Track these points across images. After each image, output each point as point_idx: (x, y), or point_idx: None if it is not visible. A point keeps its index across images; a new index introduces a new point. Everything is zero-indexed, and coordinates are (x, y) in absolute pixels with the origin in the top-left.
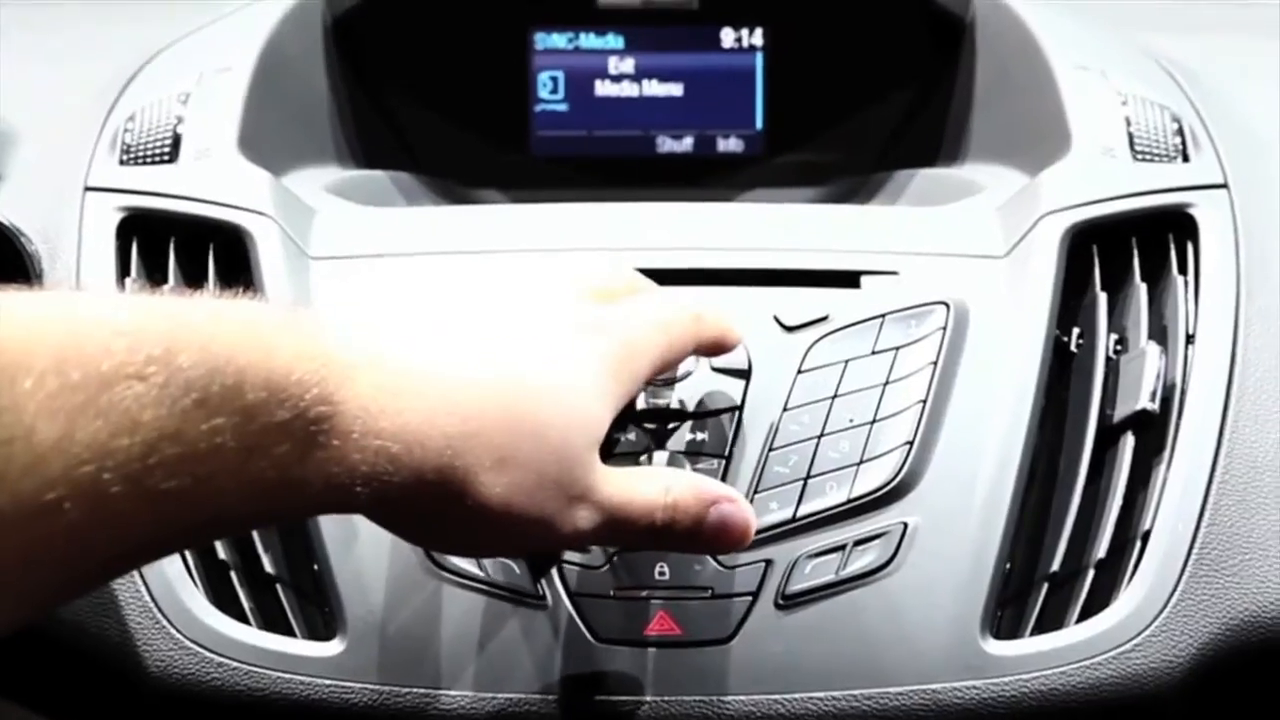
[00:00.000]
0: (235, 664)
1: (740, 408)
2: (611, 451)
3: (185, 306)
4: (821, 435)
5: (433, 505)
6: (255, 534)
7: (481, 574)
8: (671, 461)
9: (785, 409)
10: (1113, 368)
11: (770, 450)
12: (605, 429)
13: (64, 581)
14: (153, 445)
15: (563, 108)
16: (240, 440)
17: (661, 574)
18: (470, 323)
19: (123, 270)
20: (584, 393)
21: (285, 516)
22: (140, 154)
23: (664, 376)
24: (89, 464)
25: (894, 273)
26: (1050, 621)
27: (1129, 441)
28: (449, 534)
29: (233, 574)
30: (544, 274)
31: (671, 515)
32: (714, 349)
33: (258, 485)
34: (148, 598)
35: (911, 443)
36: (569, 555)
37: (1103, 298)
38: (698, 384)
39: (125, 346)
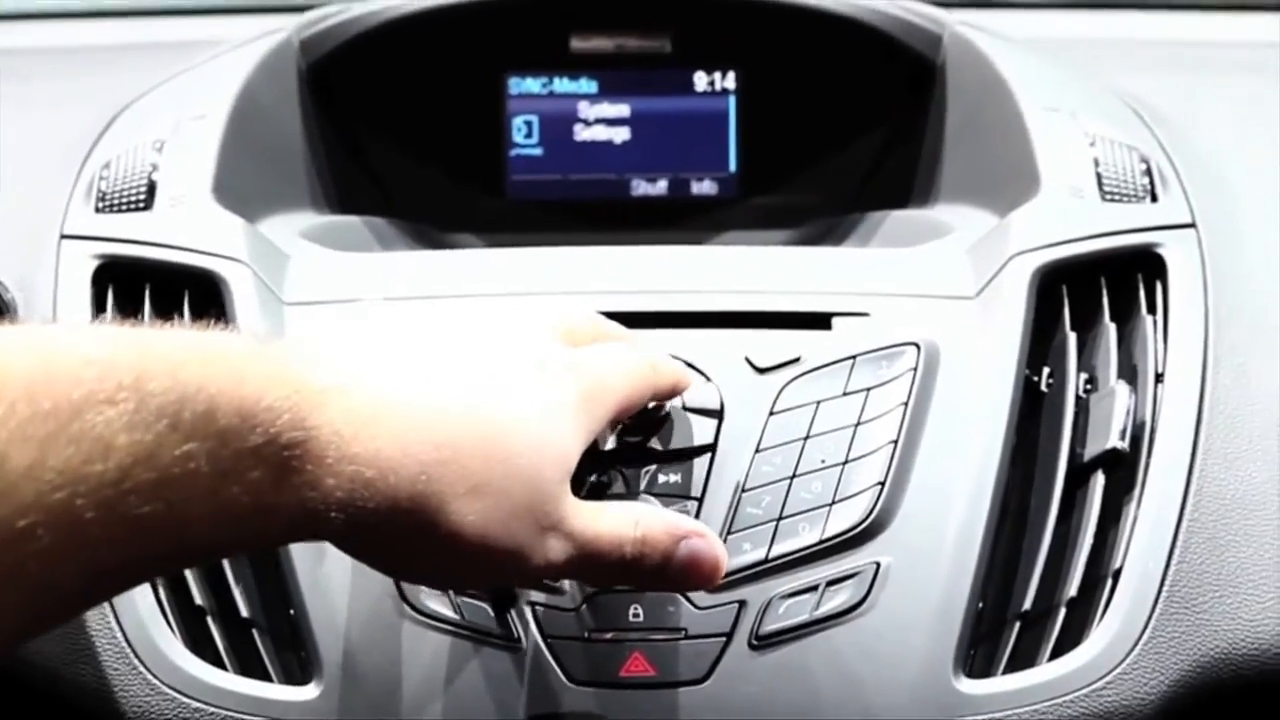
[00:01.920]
0: (211, 709)
1: (713, 449)
2: (585, 493)
3: (154, 335)
4: (794, 476)
5: (406, 533)
6: (230, 577)
7: (456, 616)
8: (645, 502)
9: (758, 450)
10: (1083, 407)
11: (743, 491)
12: (576, 461)
13: (38, 608)
14: (126, 470)
15: (537, 152)
16: (213, 465)
17: (635, 615)
18: (441, 357)
19: (98, 317)
20: (554, 425)
21: (259, 543)
22: (116, 201)
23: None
24: (62, 489)
25: (865, 314)
26: (1022, 660)
27: (1099, 480)
28: (421, 563)
29: (208, 618)
30: (512, 316)
31: (641, 549)
32: (670, 395)
33: (231, 511)
34: (123, 642)
35: (883, 483)
36: (543, 597)
37: (1072, 337)
38: (671, 425)
39: (95, 375)
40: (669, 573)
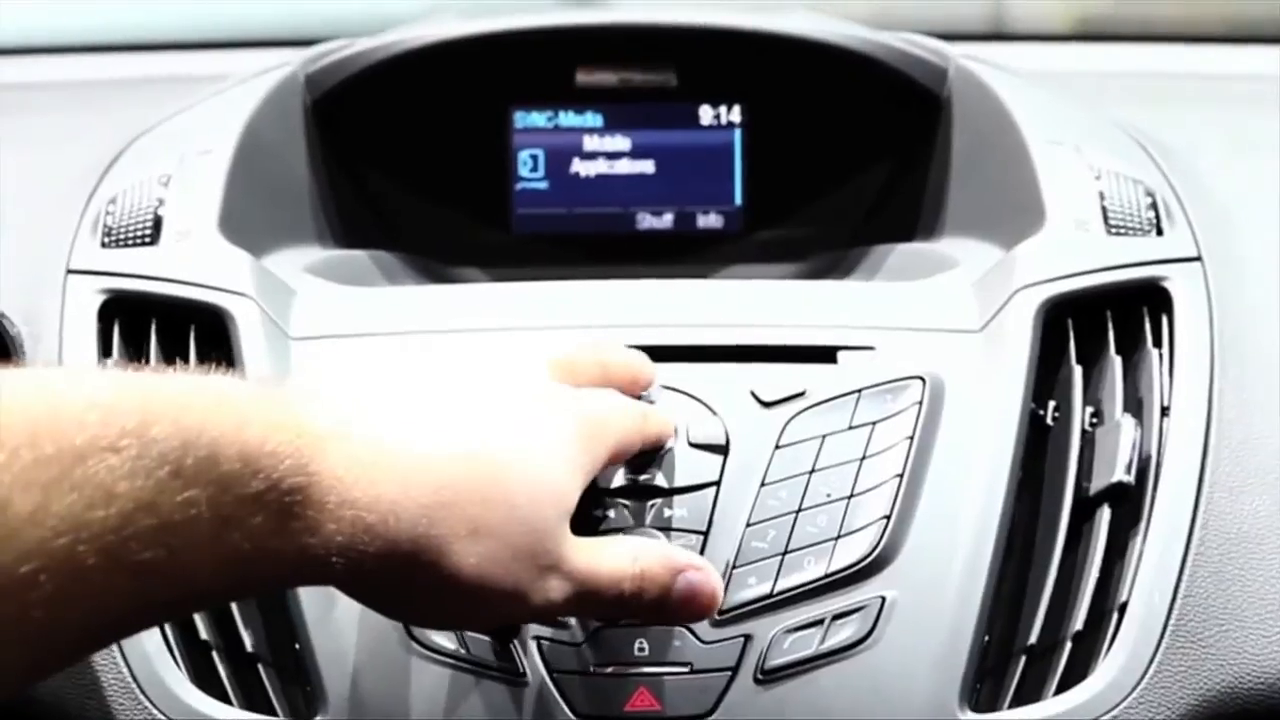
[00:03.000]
0: None
1: (718, 483)
2: (590, 527)
3: (158, 380)
4: (799, 510)
5: (407, 576)
6: (236, 612)
7: (461, 650)
8: (649, 537)
9: (763, 484)
10: (1088, 440)
11: (748, 525)
12: (575, 500)
13: (41, 655)
14: (128, 517)
15: (543, 186)
16: (215, 511)
17: (641, 650)
18: (440, 396)
19: (104, 352)
20: (553, 464)
21: (261, 589)
22: (122, 236)
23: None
24: (64, 536)
25: (870, 348)
26: (1029, 693)
27: (1105, 514)
28: (423, 606)
29: (214, 653)
30: (511, 354)
31: (640, 584)
32: (656, 446)
33: (233, 557)
34: (129, 676)
35: (889, 517)
36: (548, 630)
37: (1078, 371)
38: (676, 460)
39: (98, 420)
40: (667, 606)
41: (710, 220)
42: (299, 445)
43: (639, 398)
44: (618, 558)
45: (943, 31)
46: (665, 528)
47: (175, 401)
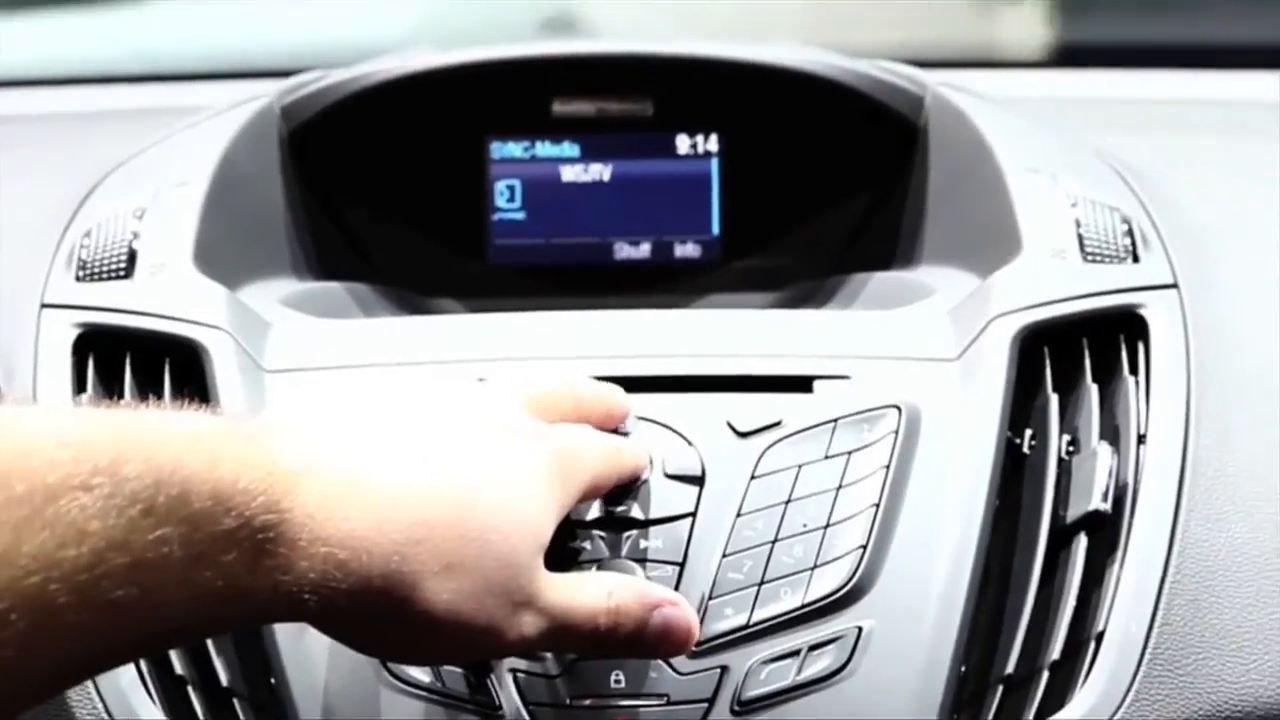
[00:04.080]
0: None
1: (694, 514)
2: (566, 560)
3: (130, 417)
4: (775, 540)
5: (380, 612)
6: (211, 647)
7: (437, 684)
8: (625, 569)
9: (739, 514)
10: (1065, 469)
11: (725, 556)
12: (549, 535)
13: (12, 692)
14: (100, 555)
15: (520, 216)
16: (187, 549)
17: (617, 682)
18: (412, 432)
19: (79, 387)
20: (528, 499)
21: (232, 625)
22: (96, 270)
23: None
24: (36, 574)
25: (846, 377)
26: None
27: (1082, 542)
28: (396, 642)
29: (189, 687)
30: (483, 388)
31: (615, 620)
32: (630, 481)
33: (205, 594)
34: (103, 712)
35: (865, 546)
36: (524, 663)
37: (1054, 399)
38: (652, 491)
39: (70, 458)
40: (643, 641)
41: (688, 250)
42: (271, 482)
43: (615, 430)
44: (592, 593)
45: (920, 59)
46: (641, 559)
47: (147, 439)
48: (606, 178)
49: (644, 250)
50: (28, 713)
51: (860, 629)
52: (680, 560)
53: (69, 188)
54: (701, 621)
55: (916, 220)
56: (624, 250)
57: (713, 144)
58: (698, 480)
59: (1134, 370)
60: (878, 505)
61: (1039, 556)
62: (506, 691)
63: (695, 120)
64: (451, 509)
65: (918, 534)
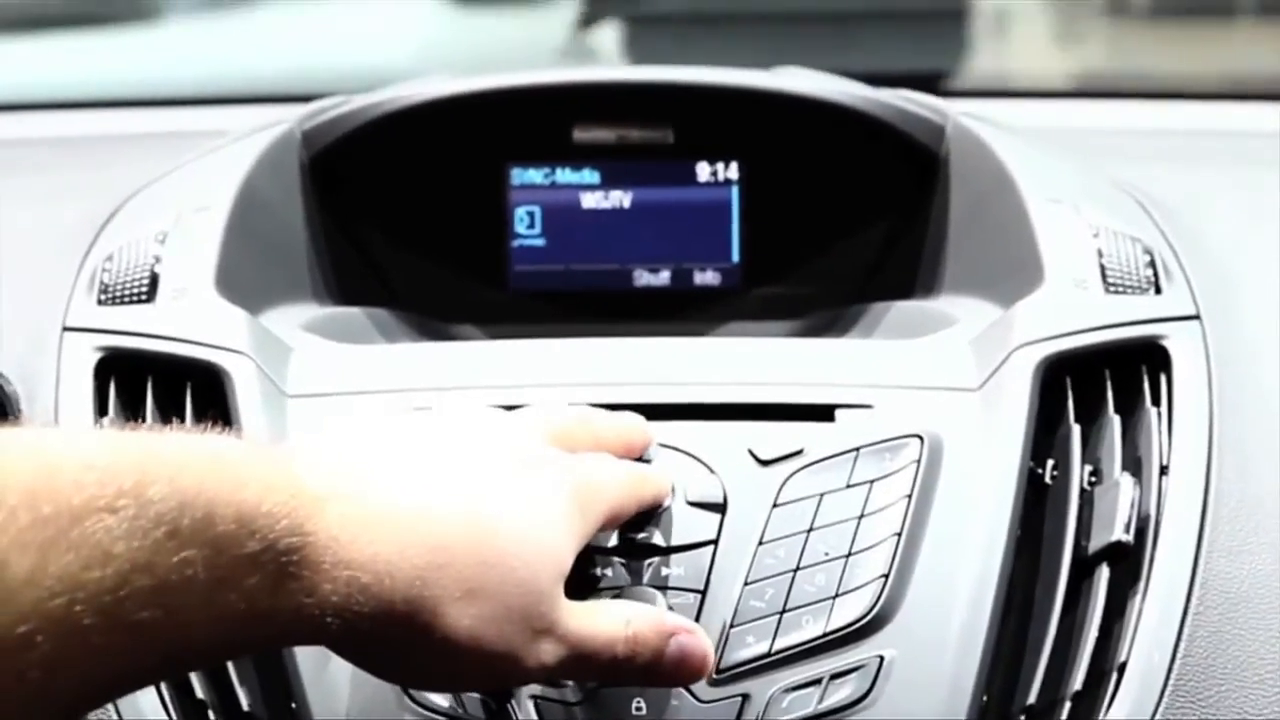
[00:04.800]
0: None
1: (716, 542)
2: (586, 587)
3: (155, 440)
4: (797, 569)
5: (401, 637)
6: (232, 671)
7: (458, 710)
8: (646, 597)
9: (761, 543)
10: (1087, 499)
11: (746, 584)
12: (570, 563)
13: (36, 716)
14: (125, 577)
15: (540, 242)
16: (210, 572)
17: (638, 709)
18: (435, 459)
19: (100, 410)
20: (549, 527)
21: (255, 648)
22: (118, 294)
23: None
24: (61, 595)
25: (868, 406)
26: None
27: (1104, 573)
28: (416, 666)
29: (210, 712)
30: (505, 418)
31: (632, 648)
32: (652, 509)
33: (229, 616)
34: None
35: (887, 575)
36: (543, 690)
37: (1076, 429)
38: (674, 519)
39: (95, 480)
40: (659, 670)
41: (708, 277)
42: (295, 506)
43: (638, 459)
44: (611, 621)
45: (941, 88)
46: (662, 586)
47: (171, 462)
48: (627, 205)
49: (664, 277)
50: None
51: (882, 658)
52: (702, 588)
53: (90, 211)
54: (723, 649)
55: (937, 249)
56: (644, 277)
57: (733, 172)
58: (719, 508)
59: (1156, 401)
60: (900, 534)
61: (1061, 587)
62: (527, 718)
63: (716, 148)
64: (474, 535)
65: (940, 563)
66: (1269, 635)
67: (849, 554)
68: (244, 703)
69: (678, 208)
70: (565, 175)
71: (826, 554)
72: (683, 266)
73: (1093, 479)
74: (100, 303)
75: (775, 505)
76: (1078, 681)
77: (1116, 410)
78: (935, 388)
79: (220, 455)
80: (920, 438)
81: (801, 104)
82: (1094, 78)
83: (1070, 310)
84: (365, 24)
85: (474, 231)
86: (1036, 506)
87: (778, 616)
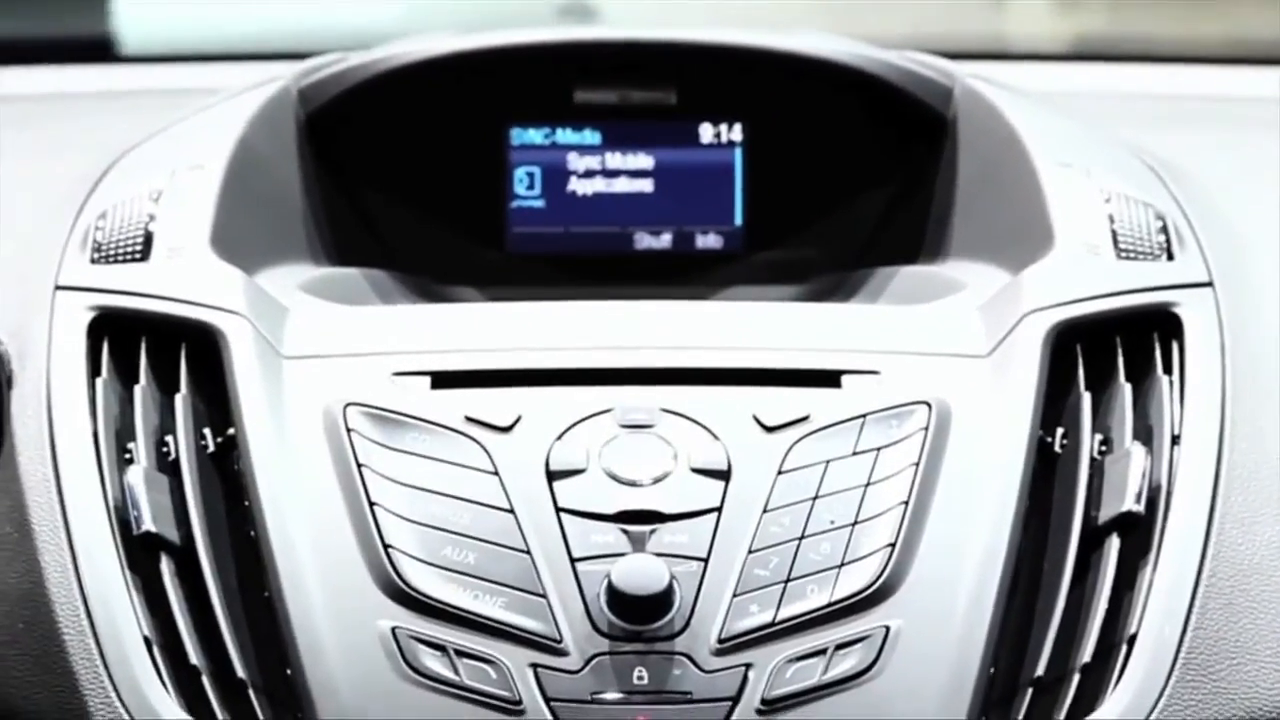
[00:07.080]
0: None
1: (720, 509)
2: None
3: None
4: (802, 537)
5: None
6: (226, 637)
7: (456, 678)
8: (650, 565)
9: (765, 510)
10: (1097, 468)
11: (750, 552)
12: None
13: None
14: None
15: (539, 204)
16: None
17: (640, 678)
18: None
19: (93, 370)
20: None
21: None
22: (112, 252)
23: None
24: None
25: (875, 372)
26: None
27: (1114, 543)
28: None
29: (204, 678)
30: None
31: None
32: None
33: None
34: (118, 704)
35: (894, 545)
36: (545, 658)
37: (1087, 397)
38: (677, 485)
39: None
40: None
41: (710, 240)
42: None
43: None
44: None
45: (944, 50)
46: (665, 554)
47: None
48: (628, 166)
49: (665, 240)
50: (42, 705)
51: (888, 628)
52: (705, 556)
53: (83, 168)
54: (726, 618)
55: (944, 213)
56: (645, 240)
57: (737, 133)
58: (724, 475)
59: (1168, 369)
60: (907, 503)
61: (1070, 557)
62: (527, 687)
63: (719, 109)
64: None
65: (947, 533)
66: None
67: (855, 522)
68: (238, 670)
69: (680, 170)
70: (566, 136)
71: (832, 522)
72: (684, 229)
73: (1103, 448)
74: (93, 261)
75: (780, 472)
76: (1087, 653)
77: (1128, 378)
78: (943, 354)
79: None
80: (928, 405)
81: (807, 65)
82: (1094, 40)
83: (1081, 276)
84: None
85: (473, 192)
86: (1046, 476)
87: (782, 585)
